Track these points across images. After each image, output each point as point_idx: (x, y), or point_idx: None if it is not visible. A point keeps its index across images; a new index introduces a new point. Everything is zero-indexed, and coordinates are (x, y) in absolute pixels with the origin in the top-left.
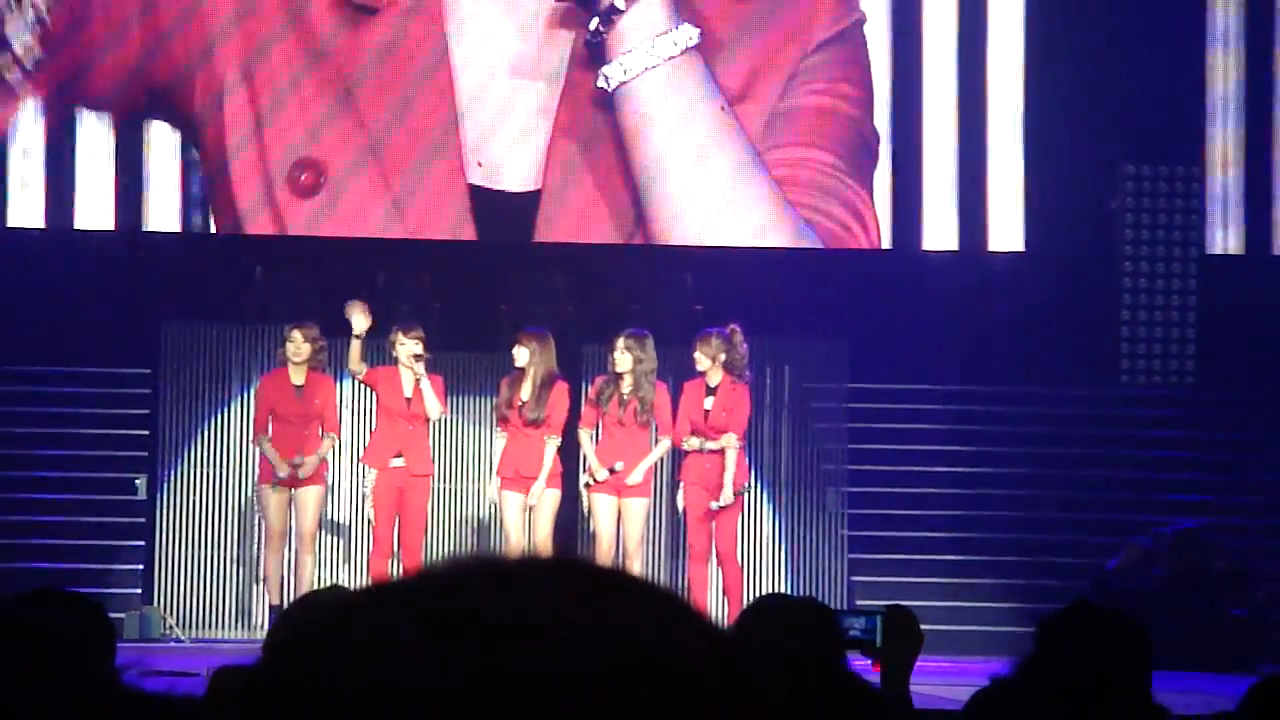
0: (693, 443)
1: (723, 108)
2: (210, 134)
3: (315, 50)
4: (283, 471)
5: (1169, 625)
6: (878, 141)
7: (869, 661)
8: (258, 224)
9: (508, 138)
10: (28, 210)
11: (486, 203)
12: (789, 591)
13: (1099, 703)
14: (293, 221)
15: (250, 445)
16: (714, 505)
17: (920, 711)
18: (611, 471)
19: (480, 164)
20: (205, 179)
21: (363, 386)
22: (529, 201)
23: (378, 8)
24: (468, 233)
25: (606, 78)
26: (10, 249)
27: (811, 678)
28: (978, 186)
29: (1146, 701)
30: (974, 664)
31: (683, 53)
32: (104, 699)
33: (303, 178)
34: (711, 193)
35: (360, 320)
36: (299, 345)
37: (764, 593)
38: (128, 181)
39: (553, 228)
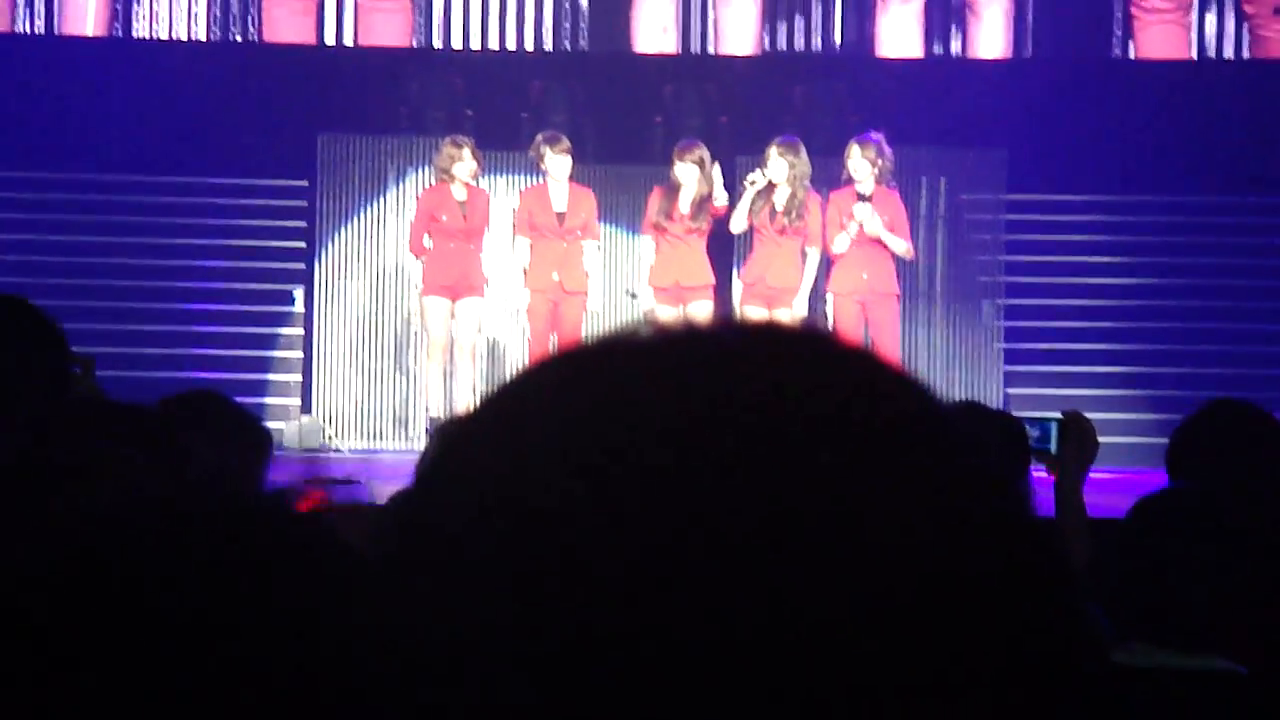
0: (842, 242)
1: None
2: None
3: None
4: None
5: None
6: None
7: (1044, 468)
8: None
9: None
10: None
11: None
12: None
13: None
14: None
15: (406, 256)
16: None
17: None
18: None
19: None
20: None
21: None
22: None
23: None
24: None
25: None
26: (169, 60)
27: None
28: None
29: None
30: (1129, 474)
31: None
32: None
33: None
34: None
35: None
36: (465, 160)
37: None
38: None
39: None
